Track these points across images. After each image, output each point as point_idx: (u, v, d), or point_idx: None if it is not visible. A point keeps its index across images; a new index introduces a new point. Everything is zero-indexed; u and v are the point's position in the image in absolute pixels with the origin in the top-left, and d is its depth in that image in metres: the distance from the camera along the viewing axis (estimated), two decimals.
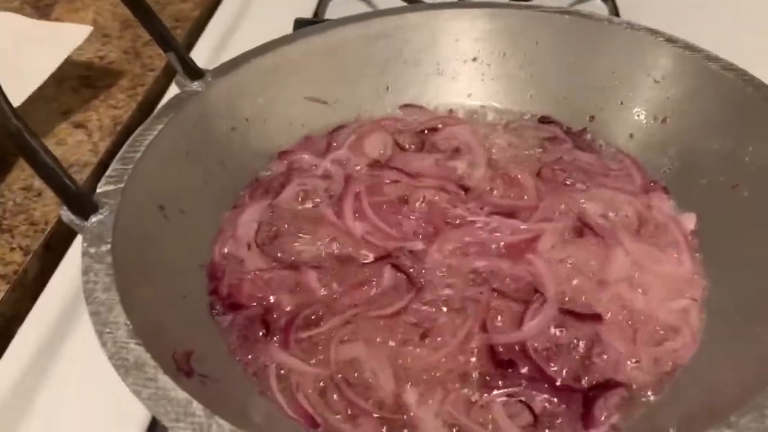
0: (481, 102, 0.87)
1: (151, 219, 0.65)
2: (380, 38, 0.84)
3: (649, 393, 0.57)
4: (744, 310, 0.60)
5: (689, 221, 0.70)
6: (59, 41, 1.03)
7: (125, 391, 0.47)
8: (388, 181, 0.76)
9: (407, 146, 0.81)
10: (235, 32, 1.22)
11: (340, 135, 0.83)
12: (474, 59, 0.86)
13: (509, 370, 0.58)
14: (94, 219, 0.59)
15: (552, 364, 0.59)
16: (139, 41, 1.19)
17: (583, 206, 0.72)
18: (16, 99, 0.88)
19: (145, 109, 1.07)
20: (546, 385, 0.57)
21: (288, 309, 0.64)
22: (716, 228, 0.68)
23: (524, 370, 0.58)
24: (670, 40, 0.75)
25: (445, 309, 0.64)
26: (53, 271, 0.80)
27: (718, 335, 0.60)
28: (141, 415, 0.65)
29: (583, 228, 0.70)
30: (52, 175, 0.55)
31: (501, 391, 0.57)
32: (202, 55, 1.16)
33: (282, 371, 0.60)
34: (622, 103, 0.80)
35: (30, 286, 0.80)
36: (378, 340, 0.61)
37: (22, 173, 0.92)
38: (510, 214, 0.72)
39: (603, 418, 0.55)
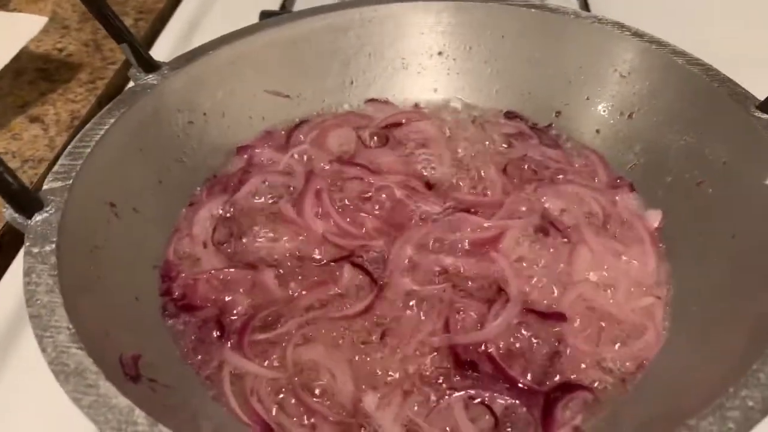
0: (447, 97, 0.85)
1: (101, 217, 0.62)
2: (343, 31, 0.82)
3: (613, 394, 0.56)
4: (708, 308, 0.59)
5: (654, 218, 0.69)
6: (14, 32, 1.00)
7: None
8: (350, 177, 0.74)
9: (371, 142, 0.79)
10: (199, 25, 1.19)
11: (302, 130, 0.81)
12: (440, 53, 0.85)
13: (470, 371, 0.57)
14: (38, 217, 0.56)
15: (514, 365, 0.57)
16: (100, 33, 1.15)
17: (548, 203, 0.71)
18: None
19: (104, 103, 1.02)
20: (507, 387, 0.56)
21: (244, 310, 0.62)
22: (681, 225, 0.67)
23: (485, 371, 0.57)
24: (637, 34, 0.74)
25: (407, 309, 0.62)
26: (3, 273, 0.77)
27: (682, 335, 0.59)
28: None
29: (548, 226, 0.68)
30: None
31: (461, 393, 0.55)
32: (165, 48, 1.13)
33: (236, 375, 0.58)
34: (588, 99, 0.79)
35: None
36: (337, 342, 0.59)
37: None
38: (474, 211, 0.71)
39: (565, 420, 0.54)
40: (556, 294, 0.63)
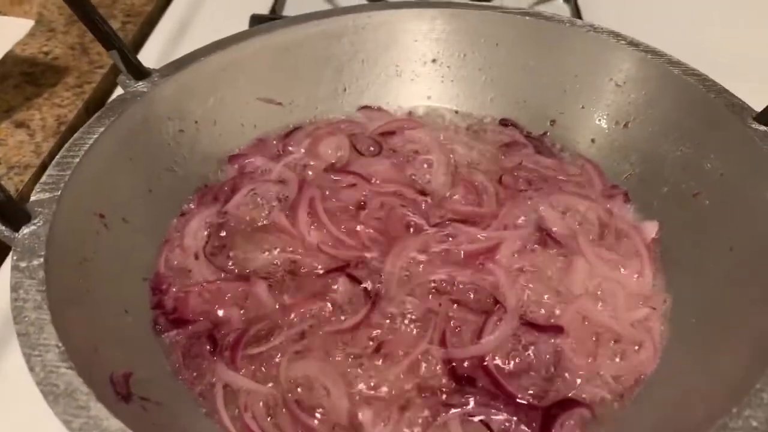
0: (441, 104, 0.85)
1: (90, 229, 0.61)
2: (337, 37, 0.81)
3: (612, 410, 0.56)
4: (707, 322, 0.58)
5: (651, 229, 0.69)
6: None
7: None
8: (344, 186, 0.73)
9: (365, 150, 0.79)
10: (188, 28, 1.17)
11: (294, 138, 0.79)
12: (433, 61, 0.84)
13: (467, 386, 0.56)
14: (26, 230, 0.54)
15: (512, 380, 0.57)
16: (87, 36, 1.13)
17: (544, 213, 0.70)
18: None
19: (92, 108, 1.02)
20: (505, 403, 0.55)
21: (237, 324, 0.61)
22: (677, 237, 0.67)
23: (483, 386, 0.56)
24: (632, 43, 0.74)
25: (402, 322, 0.61)
26: None
27: (681, 348, 0.59)
28: None
29: (544, 237, 0.68)
30: None
31: (459, 410, 0.55)
32: (153, 52, 1.11)
33: (230, 391, 0.57)
34: (583, 108, 0.78)
35: None
36: (331, 356, 0.58)
37: None
38: (470, 221, 0.70)
39: None
40: (553, 306, 0.62)
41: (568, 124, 0.79)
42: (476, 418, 0.54)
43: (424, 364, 0.58)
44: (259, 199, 0.72)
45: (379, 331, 0.60)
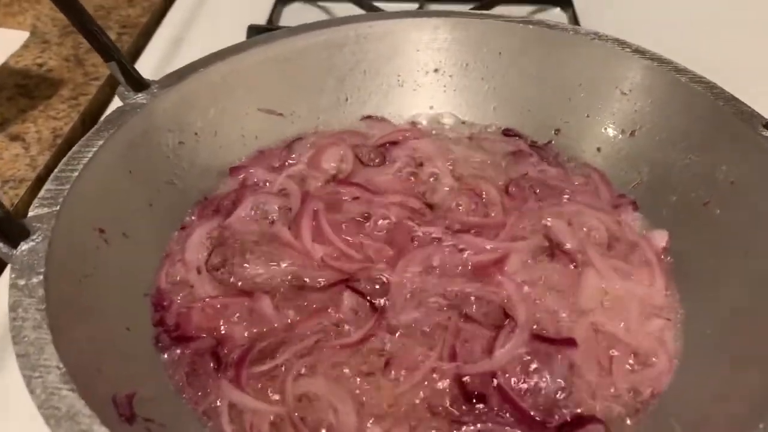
0: (444, 114, 0.84)
1: (90, 245, 0.59)
2: (338, 47, 0.80)
3: (626, 424, 0.54)
4: (722, 333, 0.57)
5: (661, 238, 0.68)
6: None
7: None
8: (348, 198, 0.72)
9: (368, 160, 0.77)
10: (185, 40, 1.16)
11: (296, 149, 0.78)
12: (436, 70, 0.83)
13: (479, 403, 0.55)
14: (24, 246, 0.53)
15: (524, 396, 0.55)
16: (82, 48, 1.12)
17: (551, 224, 0.69)
18: None
19: (87, 121, 1.01)
20: (518, 420, 0.54)
21: (241, 341, 0.59)
22: (689, 246, 0.66)
23: (495, 403, 0.55)
24: (638, 51, 0.73)
25: (410, 336, 0.60)
26: None
27: (697, 360, 0.58)
28: None
29: (553, 248, 0.67)
30: None
31: (471, 427, 0.53)
32: (149, 64, 1.10)
33: (235, 410, 0.55)
34: (588, 116, 0.77)
35: None
36: (338, 372, 0.57)
37: None
38: (476, 232, 0.69)
39: None
40: (564, 319, 0.61)
41: (573, 133, 0.78)
42: None
43: (434, 380, 0.56)
44: (261, 211, 0.71)
45: (387, 345, 0.59)
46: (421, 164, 0.77)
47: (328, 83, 0.81)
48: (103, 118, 0.67)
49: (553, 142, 0.79)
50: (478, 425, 0.53)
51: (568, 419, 0.54)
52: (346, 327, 0.61)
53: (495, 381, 0.56)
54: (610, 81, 0.75)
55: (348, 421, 0.54)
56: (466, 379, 0.56)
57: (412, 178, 0.75)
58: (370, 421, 0.54)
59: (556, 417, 0.54)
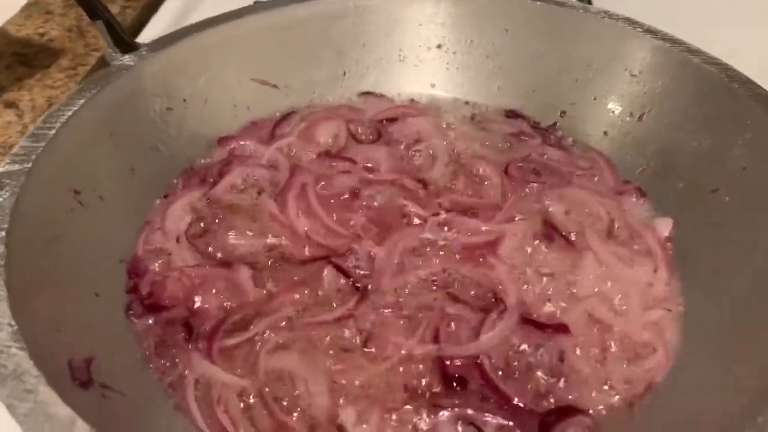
0: (445, 92, 0.80)
1: (63, 205, 0.57)
2: (338, 19, 0.77)
3: (617, 419, 0.51)
4: (723, 326, 0.54)
5: (665, 227, 0.64)
6: None
7: None
8: (338, 172, 0.69)
9: (363, 136, 0.74)
10: (191, 12, 1.13)
11: (289, 121, 0.75)
12: (438, 46, 0.80)
13: (459, 387, 0.51)
14: None
15: (508, 382, 0.52)
16: (84, 19, 1.09)
17: (551, 207, 0.65)
18: None
19: None
20: (500, 406, 0.50)
21: (215, 312, 0.57)
22: (694, 235, 0.62)
23: (476, 388, 0.51)
24: (650, 31, 0.70)
25: (394, 316, 0.56)
26: None
27: (695, 354, 0.54)
28: None
29: (551, 231, 0.63)
30: None
31: (449, 411, 0.50)
32: (152, 37, 1.07)
33: (203, 383, 0.52)
34: (595, 98, 0.74)
35: None
36: (314, 349, 0.54)
37: None
38: (471, 213, 0.65)
39: None
40: (559, 305, 0.57)
41: (579, 115, 0.75)
42: (467, 422, 0.49)
43: (414, 361, 0.53)
44: (248, 183, 0.68)
45: (367, 324, 0.56)
46: (418, 141, 0.73)
47: (325, 56, 0.78)
48: (87, 78, 0.65)
49: (558, 124, 0.76)
50: (456, 410, 0.50)
51: (554, 409, 0.50)
52: (327, 304, 0.58)
53: (478, 364, 0.53)
54: (619, 61, 0.71)
55: (320, 400, 0.51)
56: (447, 362, 0.53)
57: (408, 156, 0.72)
58: (344, 403, 0.51)
59: (542, 406, 0.51)
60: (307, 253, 0.62)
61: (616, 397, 0.52)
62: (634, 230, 0.64)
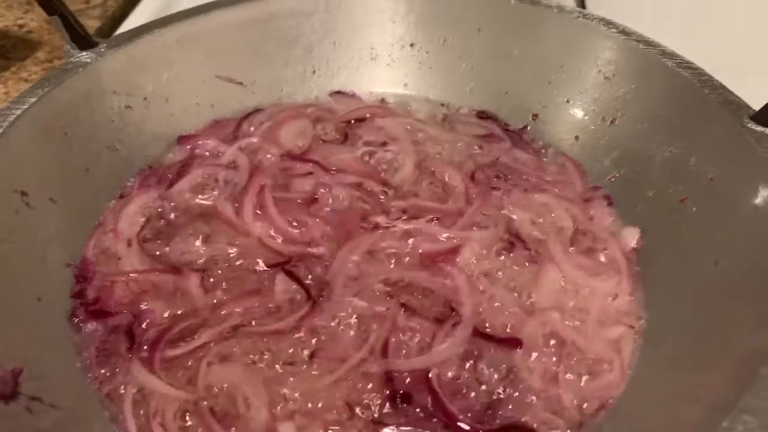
0: (417, 93, 0.78)
1: (8, 207, 0.55)
2: (307, 15, 0.75)
3: None
4: (683, 341, 0.52)
5: (632, 237, 0.62)
6: None
7: None
8: (299, 174, 0.67)
9: (328, 137, 0.72)
10: (174, 5, 1.11)
11: (253, 120, 0.73)
12: (412, 45, 0.78)
13: (404, 404, 0.50)
14: None
15: (456, 399, 0.50)
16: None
17: (515, 215, 0.63)
18: None
19: None
20: (444, 426, 0.49)
21: (161, 320, 0.55)
22: (660, 246, 0.60)
23: (422, 405, 0.50)
24: (624, 32, 0.67)
25: (344, 327, 0.55)
26: None
27: (653, 369, 0.52)
28: None
29: (513, 240, 0.61)
30: None
31: (392, 430, 0.48)
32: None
33: (141, 393, 0.51)
34: (568, 101, 0.71)
35: None
36: (258, 362, 0.52)
37: None
38: (433, 218, 0.63)
39: None
40: (515, 317, 0.56)
41: (551, 118, 0.72)
42: None
43: (360, 376, 0.52)
44: (206, 184, 0.66)
45: (316, 335, 0.54)
46: (384, 144, 0.71)
47: (294, 53, 0.76)
48: (41, 76, 0.63)
49: (529, 127, 0.74)
50: (400, 428, 0.48)
51: (499, 428, 0.49)
52: (277, 313, 0.56)
53: (427, 379, 0.51)
54: (592, 64, 0.69)
55: (258, 414, 0.49)
56: (395, 376, 0.51)
57: (373, 158, 0.70)
58: (283, 417, 0.49)
59: (488, 425, 0.49)
60: (260, 260, 0.60)
61: (566, 418, 0.50)
62: (600, 240, 0.62)
